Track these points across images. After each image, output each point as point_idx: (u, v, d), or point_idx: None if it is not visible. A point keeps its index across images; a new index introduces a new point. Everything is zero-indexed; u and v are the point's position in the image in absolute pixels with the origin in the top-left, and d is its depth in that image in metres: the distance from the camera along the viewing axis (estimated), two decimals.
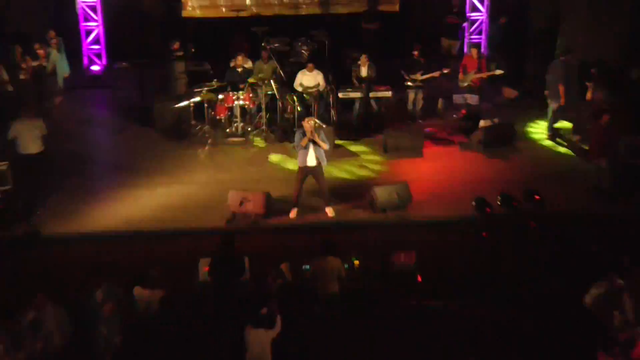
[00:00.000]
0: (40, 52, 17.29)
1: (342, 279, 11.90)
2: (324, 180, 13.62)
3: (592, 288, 10.93)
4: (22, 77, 16.17)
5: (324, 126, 16.10)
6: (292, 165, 14.94)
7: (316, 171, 13.44)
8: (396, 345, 11.43)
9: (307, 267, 12.13)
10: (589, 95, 14.49)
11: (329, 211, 13.70)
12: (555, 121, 16.52)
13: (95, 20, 19.40)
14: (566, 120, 16.62)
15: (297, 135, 13.37)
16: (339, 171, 15.34)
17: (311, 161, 13.28)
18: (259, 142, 16.48)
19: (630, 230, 12.93)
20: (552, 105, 16.32)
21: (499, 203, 13.34)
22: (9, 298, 11.00)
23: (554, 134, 16.55)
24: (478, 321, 11.57)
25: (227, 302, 11.58)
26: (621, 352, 9.57)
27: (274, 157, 15.82)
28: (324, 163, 13.48)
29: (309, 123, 13.37)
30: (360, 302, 12.00)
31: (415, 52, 16.94)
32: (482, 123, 16.22)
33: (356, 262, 12.34)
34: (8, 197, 13.72)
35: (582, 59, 15.95)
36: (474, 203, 13.44)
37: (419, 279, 12.27)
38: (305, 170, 13.46)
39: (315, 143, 13.14)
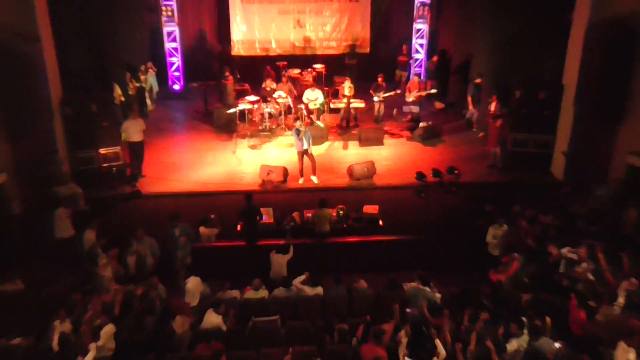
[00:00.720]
0: (142, 77, 17.17)
1: (332, 222, 11.89)
2: (313, 159, 13.53)
3: (490, 229, 10.91)
4: (130, 92, 16.03)
5: (322, 125, 16.01)
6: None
7: (307, 153, 13.40)
8: (364, 263, 11.45)
9: (310, 215, 12.05)
10: (491, 107, 14.45)
11: (314, 179, 13.59)
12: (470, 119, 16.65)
13: (177, 56, 19.17)
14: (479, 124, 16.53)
15: (294, 133, 13.38)
16: (330, 154, 15.12)
17: (305, 146, 13.26)
18: (280, 134, 16.19)
19: (514, 192, 12.87)
20: (470, 109, 16.51)
21: (431, 175, 13.23)
22: (120, 233, 10.89)
23: (469, 125, 16.57)
24: (417, 248, 11.59)
25: (253, 236, 11.52)
26: (503, 269, 9.58)
27: (291, 143, 15.58)
28: (309, 146, 13.35)
29: (297, 123, 13.53)
30: (344, 237, 11.99)
31: (380, 79, 16.76)
32: (421, 124, 16.13)
33: (341, 212, 12.25)
34: (120, 169, 13.65)
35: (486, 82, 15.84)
36: (415, 175, 13.34)
37: (381, 223, 12.21)
38: (301, 153, 13.42)
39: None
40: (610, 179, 12.19)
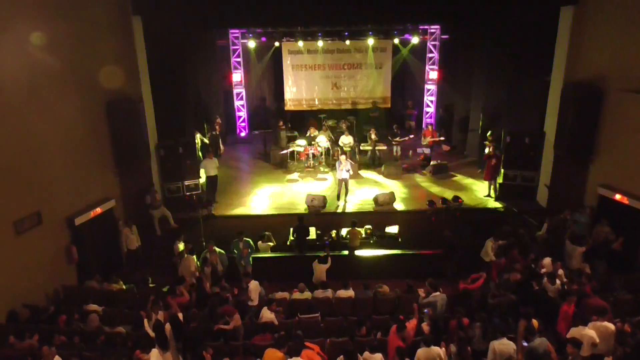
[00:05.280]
0: (217, 127, 17.37)
1: (361, 238, 11.69)
2: (347, 187, 13.60)
3: (487, 242, 10.56)
4: (207, 138, 16.25)
5: (352, 163, 15.89)
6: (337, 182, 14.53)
7: (345, 181, 13.44)
8: (387, 271, 11.15)
9: (344, 232, 11.87)
10: (488, 149, 14.18)
11: (348, 201, 13.59)
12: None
13: (243, 111, 19.46)
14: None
15: (337, 164, 13.56)
16: (360, 185, 14.91)
17: (343, 176, 13.36)
18: (321, 170, 16.12)
19: (504, 216, 12.46)
20: None
21: (440, 202, 12.96)
22: (197, 247, 10.90)
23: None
24: (427, 260, 11.25)
25: (302, 250, 11.39)
26: (471, 282, 9.21)
27: (329, 178, 15.48)
28: (349, 176, 13.47)
29: (342, 157, 13.60)
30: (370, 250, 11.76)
31: (396, 127, 16.68)
32: (432, 162, 15.82)
33: (368, 230, 12.05)
34: (199, 197, 13.72)
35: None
36: (427, 202, 13.09)
37: (399, 240, 11.95)
38: (340, 181, 13.47)
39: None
40: (585, 207, 11.71)
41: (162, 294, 9.37)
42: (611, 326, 7.24)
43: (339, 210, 13.38)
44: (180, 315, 7.93)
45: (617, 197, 10.90)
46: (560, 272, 9.18)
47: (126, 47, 12.23)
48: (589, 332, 7.04)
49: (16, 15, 8.91)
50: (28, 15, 9.19)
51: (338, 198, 13.53)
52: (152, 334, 7.50)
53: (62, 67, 10.03)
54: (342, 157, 13.59)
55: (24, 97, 9.15)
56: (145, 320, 7.78)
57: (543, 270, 9.21)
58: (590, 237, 10.53)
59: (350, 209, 13.39)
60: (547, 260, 9.55)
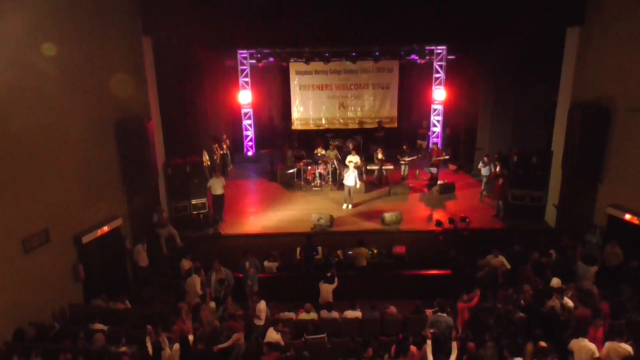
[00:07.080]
0: (224, 146, 17.48)
1: (368, 259, 11.62)
2: (353, 192, 14.35)
3: (487, 257, 10.56)
4: (215, 157, 16.31)
5: (360, 183, 15.89)
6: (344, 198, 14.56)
7: (349, 188, 14.23)
8: (394, 291, 11.04)
9: (350, 252, 11.80)
10: (496, 170, 14.11)
11: (351, 204, 14.48)
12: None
13: (250, 130, 19.55)
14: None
15: (344, 172, 14.54)
16: (366, 205, 14.87)
17: (350, 182, 14.22)
18: (328, 189, 16.09)
19: (511, 235, 12.35)
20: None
21: (447, 222, 12.88)
22: (203, 264, 10.84)
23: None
24: (435, 280, 11.15)
25: (309, 269, 11.32)
26: (467, 301, 9.17)
27: (335, 197, 15.44)
28: (357, 185, 14.38)
29: (350, 164, 14.74)
30: (377, 270, 11.64)
31: (405, 146, 16.70)
32: (439, 181, 15.76)
33: (375, 250, 11.97)
34: (205, 215, 13.68)
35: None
36: (435, 222, 13.02)
37: (407, 259, 11.85)
38: (347, 186, 14.26)
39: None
40: (595, 226, 11.56)
41: (165, 315, 9.30)
42: (628, 348, 7.08)
43: (345, 229, 13.33)
44: (191, 338, 7.88)
45: (627, 217, 10.80)
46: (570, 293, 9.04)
47: (136, 67, 12.39)
48: (589, 344, 6.93)
49: (28, 35, 9.05)
50: (40, 35, 9.33)
51: (345, 202, 14.38)
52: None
53: (72, 85, 10.14)
54: (350, 165, 14.38)
55: (34, 115, 9.24)
56: (147, 339, 7.72)
57: (569, 294, 9.01)
58: (601, 257, 10.39)
59: (356, 228, 13.32)
60: (555, 281, 9.41)
